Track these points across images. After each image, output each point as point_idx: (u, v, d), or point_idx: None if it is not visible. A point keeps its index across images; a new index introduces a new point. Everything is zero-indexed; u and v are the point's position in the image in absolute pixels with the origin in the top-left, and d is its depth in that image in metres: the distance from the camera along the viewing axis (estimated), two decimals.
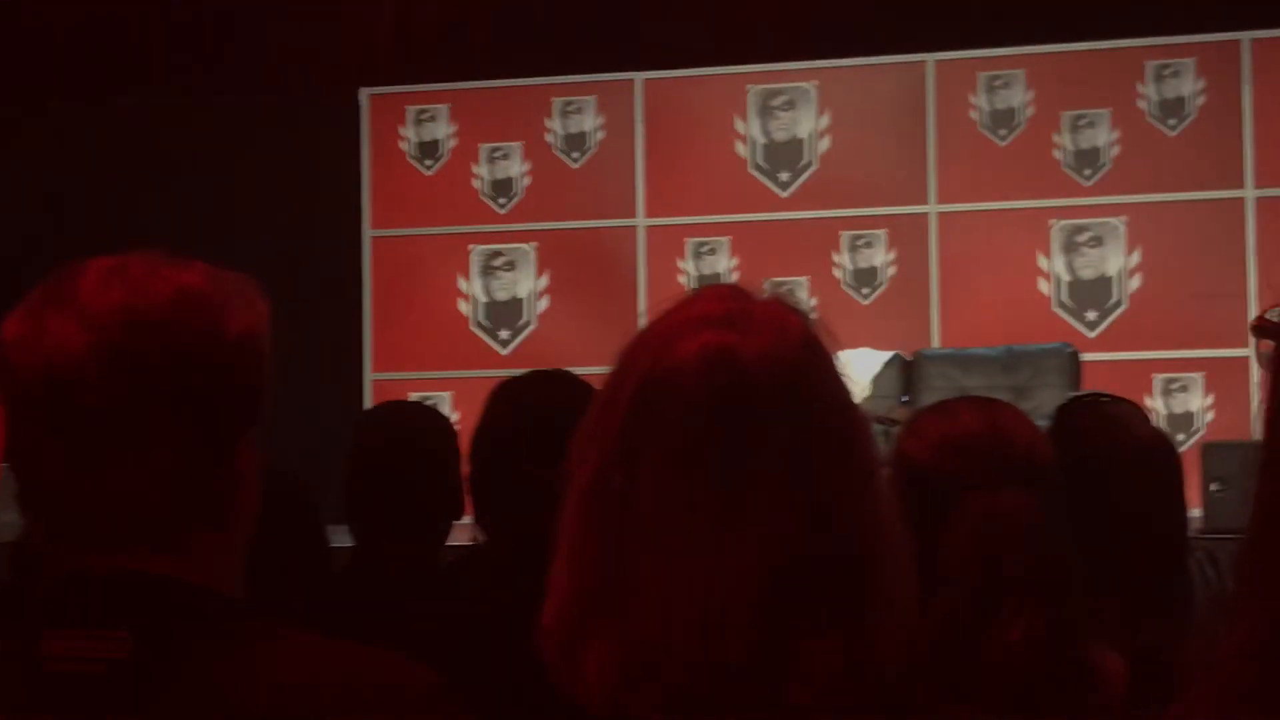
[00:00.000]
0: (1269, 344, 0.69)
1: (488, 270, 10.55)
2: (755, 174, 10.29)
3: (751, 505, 1.37)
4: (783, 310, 1.49)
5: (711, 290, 1.52)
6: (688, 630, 1.36)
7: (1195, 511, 6.94)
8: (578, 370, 2.78)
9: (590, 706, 1.40)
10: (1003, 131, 9.99)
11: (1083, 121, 9.90)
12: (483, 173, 10.61)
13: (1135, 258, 9.74)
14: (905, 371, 9.40)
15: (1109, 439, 2.78)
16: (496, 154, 10.60)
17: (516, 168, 10.58)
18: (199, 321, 1.52)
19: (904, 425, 2.41)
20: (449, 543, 3.30)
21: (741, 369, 1.41)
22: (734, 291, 1.51)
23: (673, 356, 1.43)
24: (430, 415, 3.45)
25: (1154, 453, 2.81)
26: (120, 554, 1.50)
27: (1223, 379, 9.46)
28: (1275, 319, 0.68)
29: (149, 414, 1.49)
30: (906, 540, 1.49)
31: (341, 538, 3.48)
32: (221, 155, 10.69)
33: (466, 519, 2.96)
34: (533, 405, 2.61)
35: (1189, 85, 9.77)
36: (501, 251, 10.54)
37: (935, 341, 9.83)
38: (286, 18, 10.78)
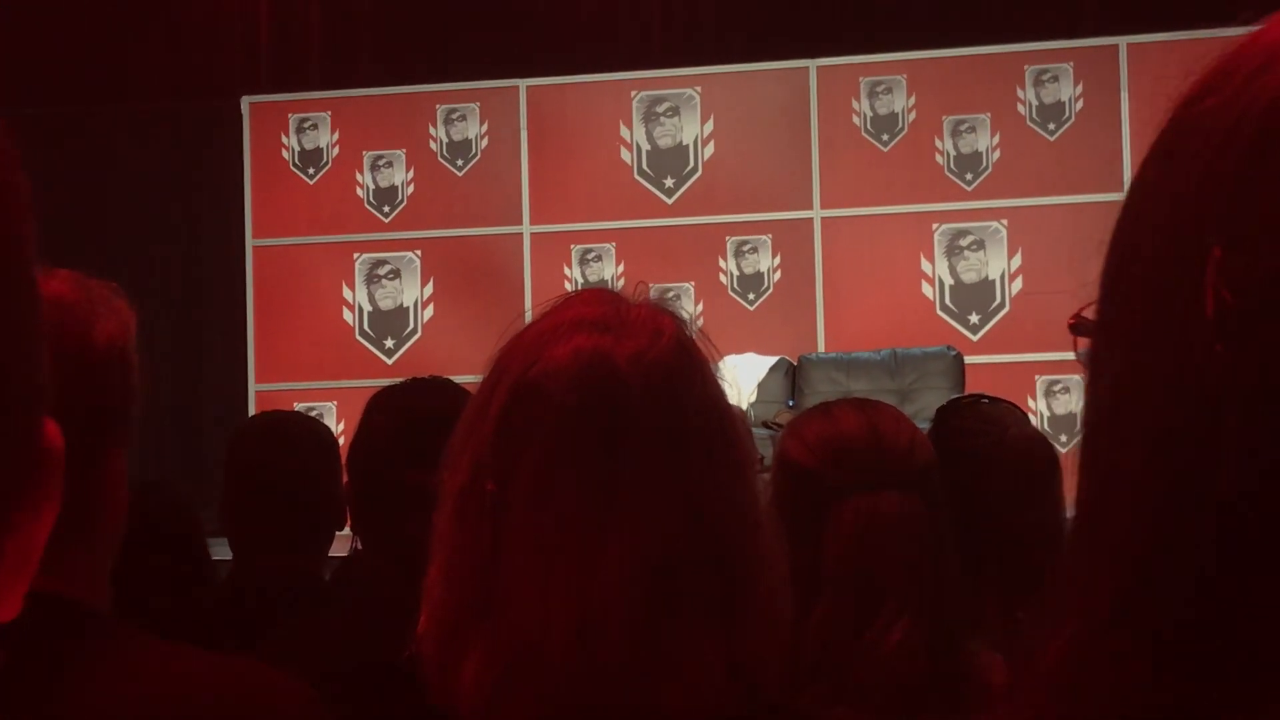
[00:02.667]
0: (1086, 342, 0.70)
1: (372, 279, 10.50)
2: (640, 180, 10.30)
3: (625, 509, 1.36)
4: (657, 314, 1.48)
5: (586, 294, 1.51)
6: (563, 635, 1.35)
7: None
8: (464, 378, 2.76)
9: (466, 713, 1.39)
10: (885, 136, 10.07)
11: (964, 126, 10.00)
12: (366, 181, 10.57)
13: (1017, 261, 9.84)
14: (791, 376, 9.45)
15: (987, 439, 2.79)
16: (380, 162, 10.55)
17: (400, 175, 10.54)
18: (65, 331, 1.50)
19: (786, 428, 2.41)
20: (330, 554, 3.28)
21: (614, 372, 1.40)
22: (608, 295, 1.50)
23: (546, 360, 1.42)
24: (308, 425, 3.42)
25: (1031, 453, 2.83)
26: None
27: None
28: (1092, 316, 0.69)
29: None
30: (782, 543, 1.49)
31: (222, 550, 3.45)
32: (101, 164, 10.57)
33: (347, 530, 2.94)
34: (409, 412, 2.59)
35: (1068, 90, 9.89)
36: (386, 260, 10.50)
37: (820, 346, 9.88)
38: (166, 25, 10.68)
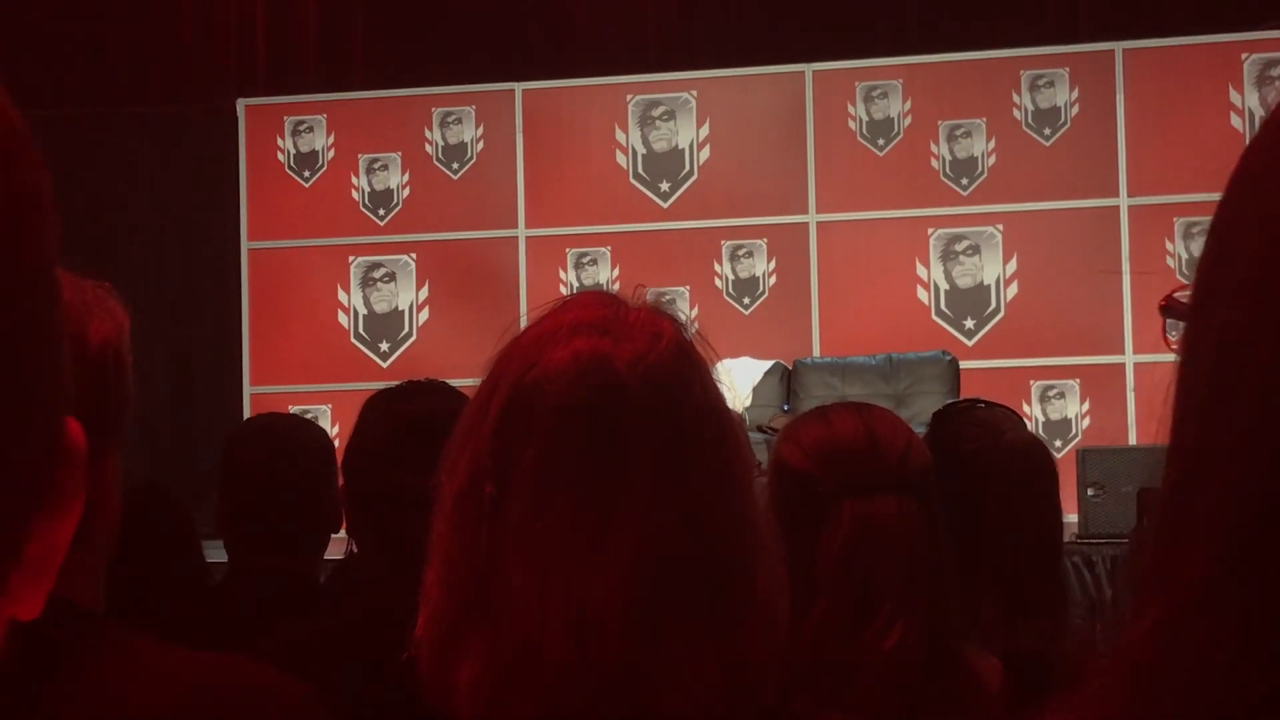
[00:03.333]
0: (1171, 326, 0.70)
1: (367, 282, 10.50)
2: (636, 184, 10.30)
3: (623, 512, 1.36)
4: (655, 317, 1.48)
5: (584, 297, 1.51)
6: (561, 638, 1.35)
7: (1072, 516, 7.02)
8: (459, 382, 2.76)
9: (463, 716, 1.39)
10: (881, 141, 10.07)
11: (960, 131, 10.00)
12: (362, 184, 10.56)
13: (1012, 266, 9.84)
14: (786, 380, 9.44)
15: (983, 444, 2.80)
16: (375, 165, 10.55)
17: (396, 179, 10.53)
18: None
19: (781, 432, 2.41)
20: (325, 556, 3.28)
21: (613, 375, 1.40)
22: (607, 299, 1.50)
23: (544, 363, 1.41)
24: (304, 427, 3.42)
25: (1027, 457, 2.83)
26: None
27: (1099, 386, 9.59)
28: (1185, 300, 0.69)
29: None
30: (779, 547, 1.49)
31: (218, 553, 3.45)
32: (96, 166, 10.56)
33: (343, 532, 2.94)
34: (405, 415, 2.59)
35: (1063, 95, 9.90)
36: (381, 263, 10.50)
37: (816, 350, 9.88)
38: (161, 27, 10.67)
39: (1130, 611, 0.66)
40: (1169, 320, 0.72)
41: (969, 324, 9.87)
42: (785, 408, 9.15)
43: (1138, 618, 0.65)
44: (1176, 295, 0.70)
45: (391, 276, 10.49)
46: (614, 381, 1.40)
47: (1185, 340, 0.68)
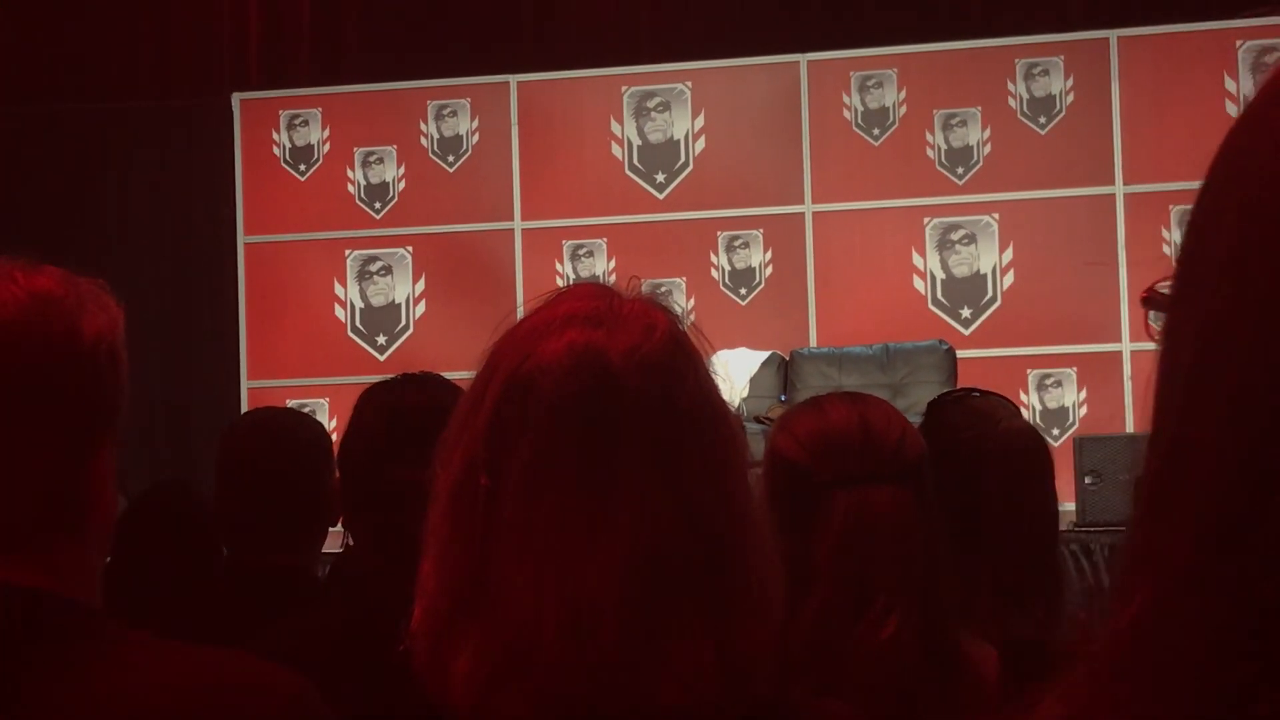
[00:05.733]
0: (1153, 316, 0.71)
1: (364, 275, 10.49)
2: (631, 175, 10.30)
3: (618, 504, 1.36)
4: (650, 308, 1.48)
5: (579, 289, 1.51)
6: (556, 630, 1.35)
7: (1069, 505, 7.03)
8: (456, 374, 2.76)
9: (459, 708, 1.39)
10: (876, 131, 10.07)
11: (955, 120, 10.00)
12: (357, 177, 10.56)
13: (1008, 255, 9.84)
14: (783, 371, 9.44)
15: (978, 433, 2.80)
16: (371, 158, 10.55)
17: (391, 172, 10.53)
18: (53, 326, 1.50)
19: (776, 422, 2.41)
20: (324, 549, 3.28)
21: (607, 367, 1.40)
22: (601, 290, 1.50)
23: (539, 355, 1.41)
24: (300, 421, 3.42)
25: (1022, 446, 2.83)
26: None
27: (1096, 374, 9.59)
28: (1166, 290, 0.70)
29: (4, 420, 1.47)
30: (774, 538, 1.49)
31: None
32: (92, 161, 10.56)
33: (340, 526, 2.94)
34: (400, 408, 2.60)
35: (1058, 83, 9.90)
36: (377, 256, 10.49)
37: (812, 340, 9.88)
38: (156, 22, 10.66)
39: (1117, 597, 0.67)
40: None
41: (965, 313, 9.87)
42: (782, 398, 9.15)
43: (1124, 603, 0.66)
44: (1158, 286, 0.71)
45: (388, 269, 10.48)
46: (608, 373, 1.40)
47: (1166, 329, 0.68)
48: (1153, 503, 0.66)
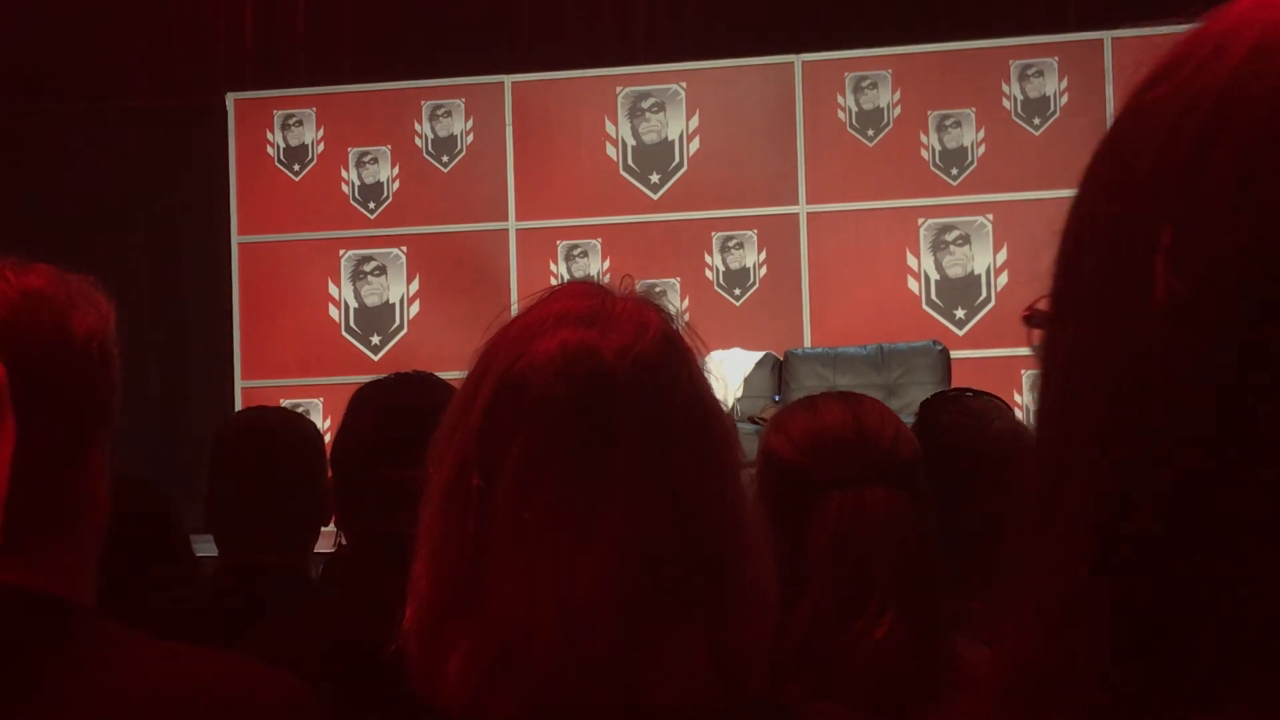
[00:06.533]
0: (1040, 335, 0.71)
1: (358, 275, 10.49)
2: (626, 176, 10.30)
3: (610, 503, 1.36)
4: (643, 307, 1.48)
5: (572, 287, 1.51)
6: (548, 629, 1.34)
7: None
8: (450, 374, 2.76)
9: (451, 708, 1.39)
10: (871, 131, 10.07)
11: (949, 121, 10.00)
12: (352, 177, 10.55)
13: (1002, 255, 9.85)
14: (777, 371, 9.45)
15: (971, 433, 2.80)
16: (365, 158, 10.54)
17: (385, 172, 10.52)
18: (44, 324, 1.49)
19: (769, 422, 2.41)
20: (315, 549, 3.27)
21: (600, 366, 1.40)
22: (594, 288, 1.50)
23: (531, 354, 1.41)
24: (294, 420, 3.41)
25: (1016, 446, 2.83)
26: None
27: None
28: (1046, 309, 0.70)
29: None
30: (767, 537, 1.48)
31: (208, 546, 3.44)
32: (86, 160, 10.56)
33: (332, 526, 2.94)
34: (394, 408, 2.59)
35: (1052, 84, 9.90)
36: (372, 256, 10.49)
37: (807, 341, 9.88)
38: (150, 22, 10.66)
39: (1010, 617, 0.67)
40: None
41: (959, 314, 9.87)
42: (776, 398, 9.15)
43: (1016, 623, 0.66)
44: (1038, 304, 0.71)
45: (382, 270, 10.48)
46: (601, 372, 1.40)
47: (1042, 350, 0.69)
48: (1037, 523, 0.67)
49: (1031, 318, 0.71)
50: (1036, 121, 9.90)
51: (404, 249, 10.47)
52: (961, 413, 2.87)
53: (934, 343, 9.39)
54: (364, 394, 2.71)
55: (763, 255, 10.11)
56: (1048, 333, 0.69)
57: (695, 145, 10.28)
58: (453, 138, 10.51)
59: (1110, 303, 0.63)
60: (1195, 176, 0.61)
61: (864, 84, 10.10)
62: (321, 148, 10.60)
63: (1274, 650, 0.57)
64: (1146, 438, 0.60)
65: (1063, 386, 0.66)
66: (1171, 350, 0.59)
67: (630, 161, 10.32)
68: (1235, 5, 0.66)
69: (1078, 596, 0.63)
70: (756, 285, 10.11)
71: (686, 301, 9.89)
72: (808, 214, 10.06)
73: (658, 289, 1.69)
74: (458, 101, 10.51)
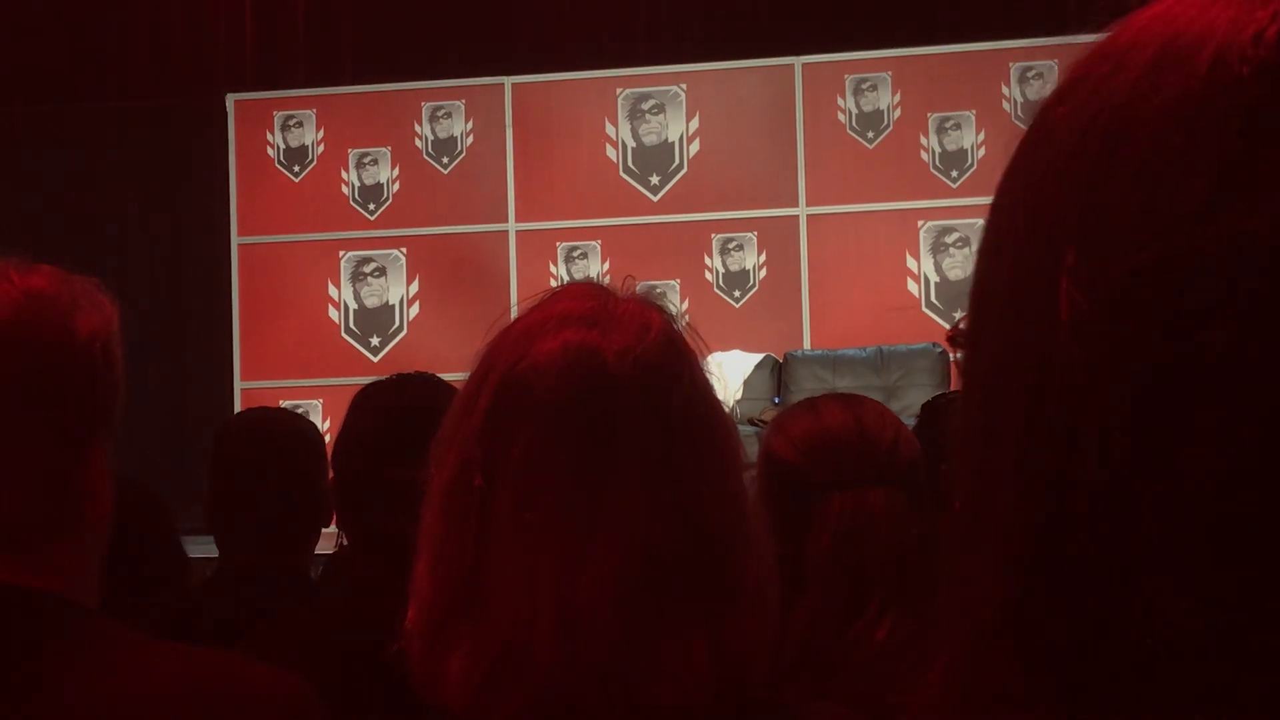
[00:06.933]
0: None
1: (358, 276, 10.49)
2: (626, 178, 10.30)
3: (612, 504, 1.36)
4: (645, 308, 1.48)
5: (573, 288, 1.51)
6: (550, 630, 1.34)
7: None
8: (450, 376, 2.76)
9: (453, 708, 1.39)
10: (870, 134, 10.07)
11: (949, 123, 10.00)
12: (351, 178, 10.55)
13: None
14: (777, 373, 9.45)
15: None
16: (365, 159, 10.54)
17: (386, 173, 10.52)
18: (47, 324, 1.49)
19: (770, 424, 2.41)
20: (316, 550, 3.27)
21: (602, 367, 1.40)
22: (596, 290, 1.50)
23: (533, 355, 1.41)
24: (294, 422, 3.41)
25: None
26: None
27: None
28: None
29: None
30: (769, 540, 1.49)
31: (208, 548, 3.44)
32: (86, 162, 10.56)
33: (333, 527, 2.94)
34: (394, 409, 2.59)
35: (1052, 87, 9.88)
36: (371, 258, 10.49)
37: (806, 343, 9.88)
38: (151, 23, 10.66)
39: (936, 642, 0.68)
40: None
41: (959, 316, 9.84)
42: (776, 400, 9.16)
43: (941, 650, 0.67)
44: (960, 324, 0.71)
45: (382, 271, 10.48)
46: (603, 373, 1.40)
47: (963, 370, 0.69)
48: (959, 546, 0.67)
49: (954, 338, 0.71)
50: None
51: (404, 250, 10.47)
52: None
53: (933, 345, 9.39)
54: (366, 394, 2.71)
55: (762, 257, 10.10)
56: (966, 351, 0.69)
57: (695, 147, 10.28)
58: (453, 139, 10.50)
59: (1022, 323, 0.63)
60: (1097, 195, 0.61)
61: (864, 86, 10.10)
62: (321, 149, 10.60)
63: (1191, 666, 0.57)
64: (1061, 454, 0.60)
65: (981, 402, 0.66)
66: (1077, 365, 0.60)
67: (630, 163, 10.32)
68: (1133, 20, 0.67)
69: (1000, 626, 0.63)
70: (756, 287, 10.11)
71: (686, 303, 9.89)
72: (807, 216, 10.06)
73: (657, 290, 1.68)
74: (458, 103, 10.51)
